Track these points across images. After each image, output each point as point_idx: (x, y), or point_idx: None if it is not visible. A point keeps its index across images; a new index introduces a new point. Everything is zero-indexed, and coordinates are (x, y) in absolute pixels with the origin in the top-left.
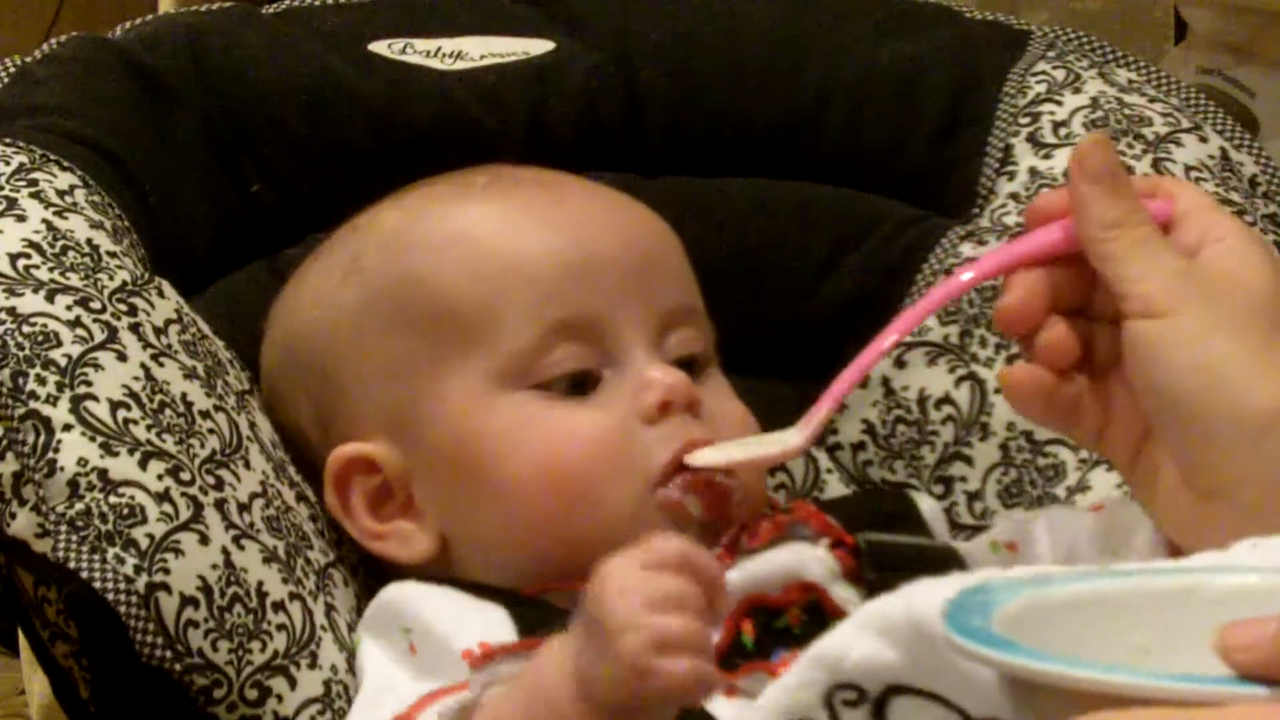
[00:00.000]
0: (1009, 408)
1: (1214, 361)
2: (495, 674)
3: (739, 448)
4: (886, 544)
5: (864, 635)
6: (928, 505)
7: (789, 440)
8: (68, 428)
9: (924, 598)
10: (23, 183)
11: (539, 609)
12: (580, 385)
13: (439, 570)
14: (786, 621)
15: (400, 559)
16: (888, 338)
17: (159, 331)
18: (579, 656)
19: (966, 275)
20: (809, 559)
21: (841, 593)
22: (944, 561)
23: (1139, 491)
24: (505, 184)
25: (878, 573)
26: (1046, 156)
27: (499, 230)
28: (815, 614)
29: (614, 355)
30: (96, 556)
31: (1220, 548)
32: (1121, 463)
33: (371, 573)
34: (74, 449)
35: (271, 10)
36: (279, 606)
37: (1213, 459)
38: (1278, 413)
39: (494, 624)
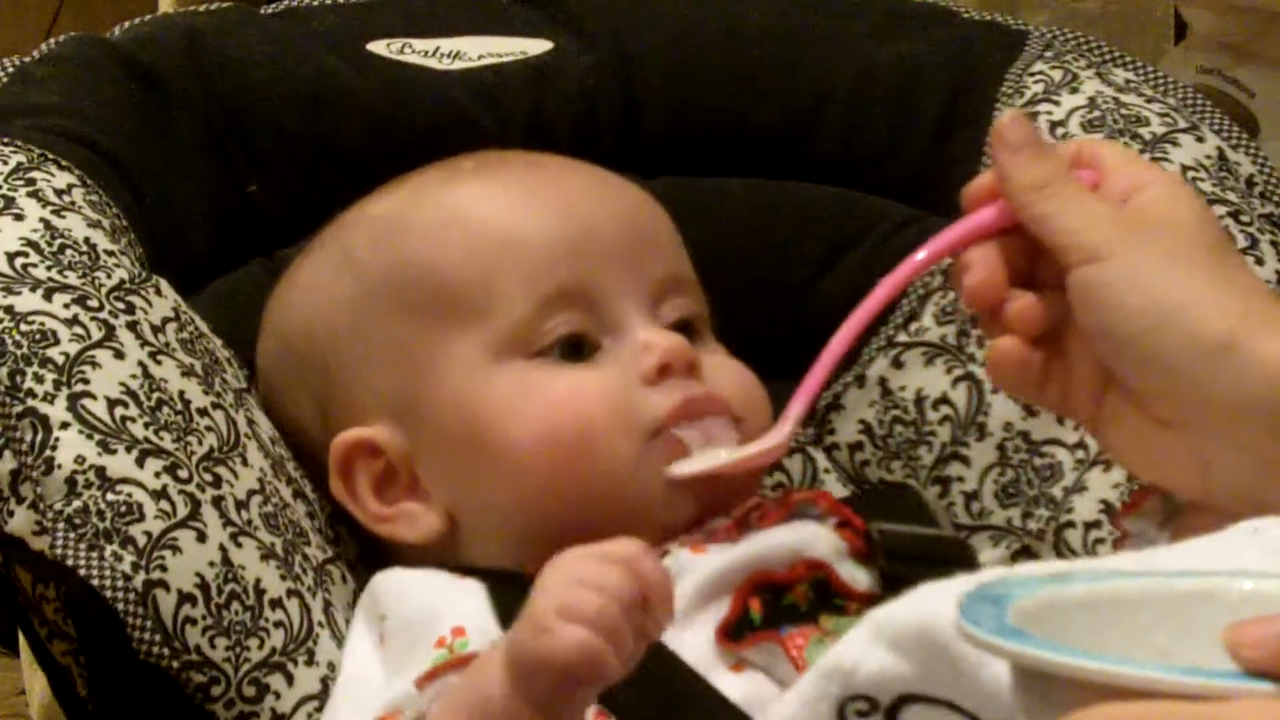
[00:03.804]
0: (1006, 408)
1: (1162, 294)
2: (445, 685)
3: (713, 455)
4: (899, 533)
5: (875, 647)
6: (928, 499)
7: (769, 439)
8: (65, 425)
9: (933, 605)
10: (21, 182)
11: (520, 584)
12: (577, 348)
13: (448, 552)
14: (793, 599)
15: (408, 540)
16: (850, 326)
17: (156, 330)
18: (512, 632)
19: (921, 254)
20: (815, 536)
21: (849, 571)
22: (956, 552)
23: (1105, 440)
24: (493, 166)
25: (891, 563)
26: None
27: (491, 208)
28: (822, 591)
29: (610, 323)
30: (94, 554)
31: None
32: (1085, 418)
33: (371, 568)
34: (71, 447)
35: (270, 10)
36: (276, 603)
37: (1174, 390)
38: (1230, 334)
39: (469, 603)
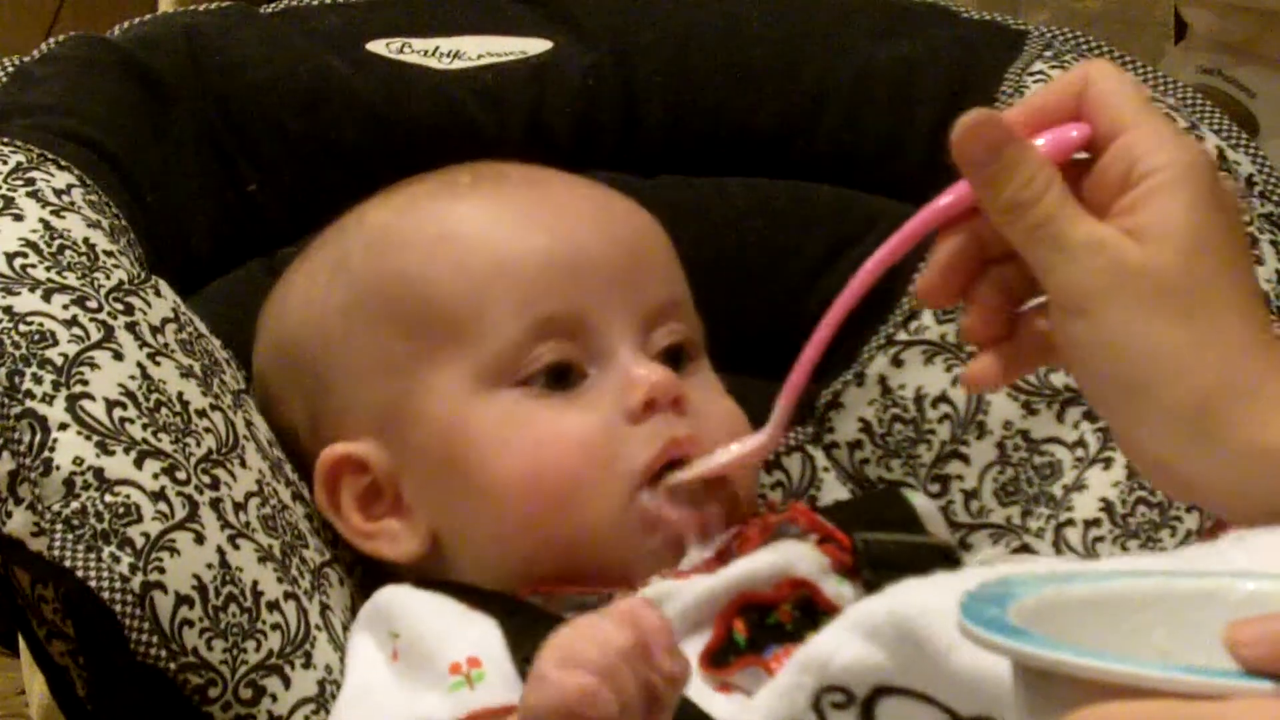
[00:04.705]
0: (1006, 406)
1: (1135, 363)
2: None
3: (704, 462)
4: (883, 542)
5: (851, 638)
6: (920, 501)
7: (755, 438)
8: (64, 426)
9: (909, 598)
10: (20, 182)
11: (530, 617)
12: (562, 377)
13: (431, 570)
14: (778, 618)
15: (390, 558)
16: (825, 329)
17: (155, 330)
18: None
19: (914, 220)
20: (798, 555)
21: (833, 587)
22: (940, 559)
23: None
24: (491, 181)
25: (875, 571)
26: None
27: (485, 228)
28: (807, 610)
29: (599, 352)
30: (92, 555)
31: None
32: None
33: (368, 572)
34: (70, 448)
35: (269, 10)
36: (274, 606)
37: (1149, 444)
38: (1200, 410)
39: (484, 636)
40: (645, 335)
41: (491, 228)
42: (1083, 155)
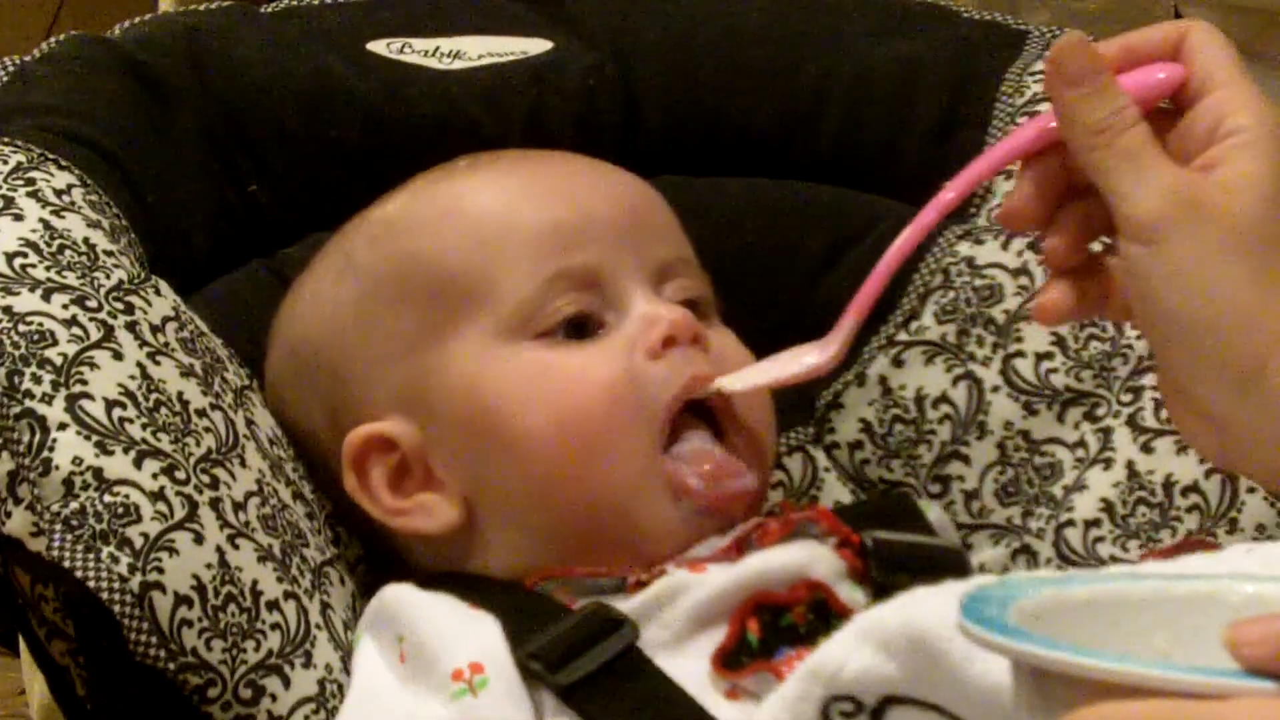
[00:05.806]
0: (1006, 406)
1: (1200, 305)
2: None
3: (759, 372)
4: (893, 543)
5: (861, 647)
6: (935, 514)
7: (810, 358)
8: (63, 426)
9: (921, 609)
10: (20, 182)
11: (533, 611)
12: (581, 327)
13: (462, 543)
14: (792, 620)
15: (427, 531)
16: (914, 230)
17: (156, 330)
18: None
19: (1000, 149)
20: (816, 557)
21: (848, 592)
22: (949, 561)
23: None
24: (488, 162)
25: (884, 572)
26: None
27: (490, 198)
28: (821, 612)
29: (615, 301)
30: (91, 555)
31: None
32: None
33: (374, 568)
34: (69, 448)
35: (270, 10)
36: (273, 605)
37: (1200, 393)
38: (1259, 363)
39: (486, 637)
40: (658, 287)
41: (497, 198)
42: (1164, 105)
